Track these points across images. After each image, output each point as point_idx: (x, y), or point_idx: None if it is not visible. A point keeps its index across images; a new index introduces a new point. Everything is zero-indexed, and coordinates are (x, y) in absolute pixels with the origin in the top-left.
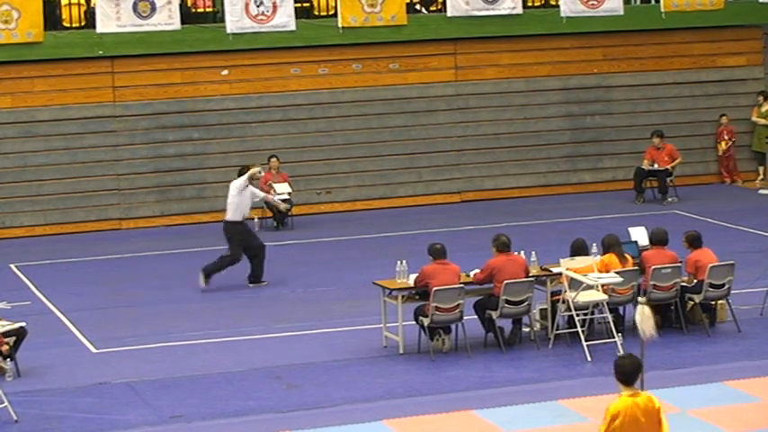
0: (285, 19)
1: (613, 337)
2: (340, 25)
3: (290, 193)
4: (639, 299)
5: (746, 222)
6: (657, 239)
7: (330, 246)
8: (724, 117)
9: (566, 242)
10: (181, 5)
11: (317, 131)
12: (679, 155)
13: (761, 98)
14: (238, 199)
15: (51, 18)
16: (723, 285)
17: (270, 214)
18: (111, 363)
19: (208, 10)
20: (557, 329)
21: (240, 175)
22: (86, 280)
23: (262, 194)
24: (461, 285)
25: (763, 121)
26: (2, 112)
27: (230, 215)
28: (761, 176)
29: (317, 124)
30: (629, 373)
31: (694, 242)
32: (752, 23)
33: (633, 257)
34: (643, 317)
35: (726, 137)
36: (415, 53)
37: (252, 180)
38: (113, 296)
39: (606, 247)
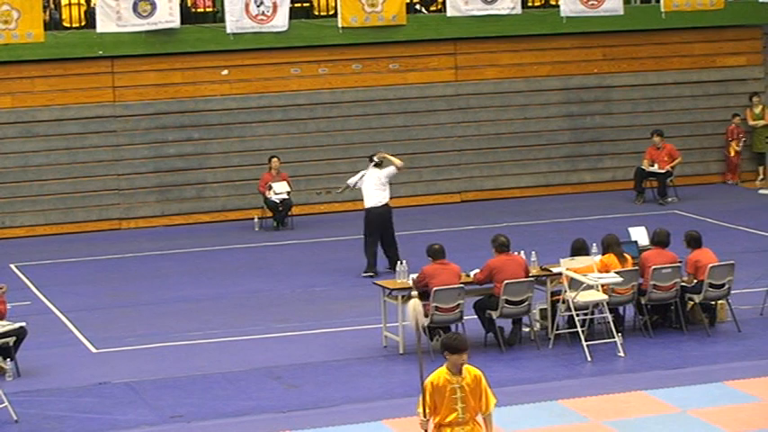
0: (285, 19)
1: (613, 337)
2: (340, 25)
3: (288, 193)
4: (412, 293)
5: (746, 222)
6: (659, 240)
7: (330, 246)
8: (736, 117)
9: (566, 242)
10: (181, 5)
11: (318, 131)
12: (679, 154)
13: (756, 99)
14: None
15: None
16: (723, 285)
17: (270, 214)
18: (111, 363)
19: (208, 10)
20: (557, 329)
21: (372, 161)
22: (86, 280)
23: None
24: (461, 285)
25: (762, 122)
26: (2, 112)
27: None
28: (761, 176)
29: (318, 124)
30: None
31: (693, 242)
32: (752, 23)
33: (633, 257)
34: (415, 311)
35: (737, 137)
36: (415, 53)
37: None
38: (113, 296)
39: (606, 247)
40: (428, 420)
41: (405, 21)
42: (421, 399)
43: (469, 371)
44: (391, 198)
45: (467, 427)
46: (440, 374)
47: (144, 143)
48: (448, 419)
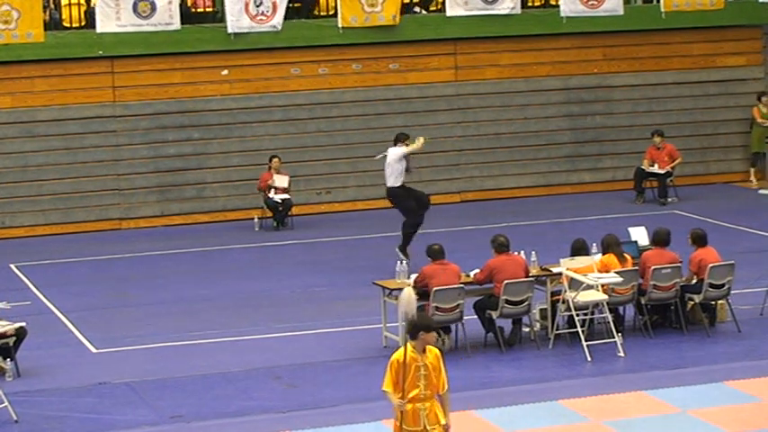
0: (285, 19)
1: (613, 337)
2: (340, 25)
3: (287, 190)
4: (407, 281)
5: (746, 222)
6: (659, 240)
7: (330, 246)
8: None
9: (566, 242)
10: (181, 5)
11: (318, 131)
12: (679, 155)
13: (765, 99)
14: (399, 166)
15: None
16: (723, 285)
17: (270, 214)
18: (111, 363)
19: (208, 10)
20: (557, 329)
21: (397, 141)
22: (86, 280)
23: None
24: (461, 285)
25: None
26: (2, 112)
27: (391, 182)
28: (751, 177)
29: (318, 124)
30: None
31: (698, 240)
32: (752, 23)
33: (633, 257)
34: (408, 300)
35: None
36: (415, 53)
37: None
38: (113, 296)
39: (606, 247)
40: (394, 395)
41: (405, 21)
42: (388, 376)
43: (431, 350)
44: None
45: (427, 403)
46: (405, 352)
47: (144, 143)
48: (410, 395)
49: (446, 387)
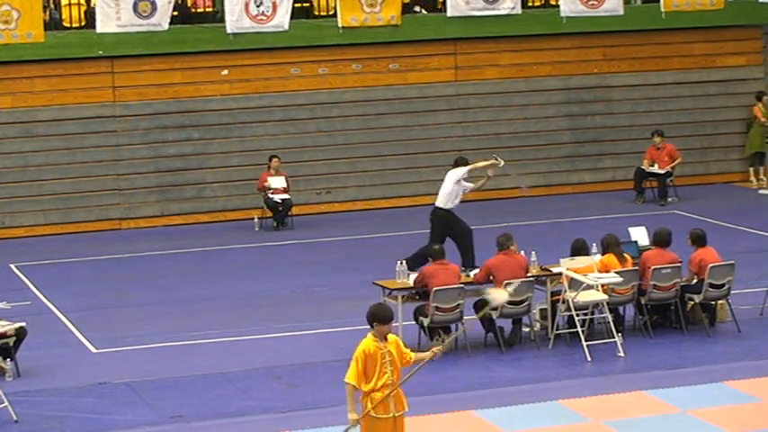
0: (285, 19)
1: (613, 337)
2: (340, 25)
3: (286, 190)
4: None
5: (746, 222)
6: (659, 240)
7: (330, 246)
8: None
9: (566, 242)
10: (181, 5)
11: (318, 131)
12: (679, 155)
13: (766, 98)
14: (454, 188)
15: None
16: (723, 285)
17: (270, 214)
18: (111, 363)
19: (208, 10)
20: (557, 329)
21: (457, 165)
22: (86, 280)
23: (471, 186)
24: (461, 285)
25: None
26: (2, 112)
27: (440, 202)
28: (751, 177)
29: (318, 124)
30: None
31: (698, 240)
32: (752, 23)
33: (633, 258)
34: (499, 296)
35: None
36: (415, 53)
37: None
38: (113, 296)
39: (606, 247)
40: (356, 389)
41: (404, 21)
42: (354, 368)
43: (390, 338)
44: (391, 198)
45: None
46: (368, 343)
47: (144, 143)
48: (380, 383)
49: (412, 359)
